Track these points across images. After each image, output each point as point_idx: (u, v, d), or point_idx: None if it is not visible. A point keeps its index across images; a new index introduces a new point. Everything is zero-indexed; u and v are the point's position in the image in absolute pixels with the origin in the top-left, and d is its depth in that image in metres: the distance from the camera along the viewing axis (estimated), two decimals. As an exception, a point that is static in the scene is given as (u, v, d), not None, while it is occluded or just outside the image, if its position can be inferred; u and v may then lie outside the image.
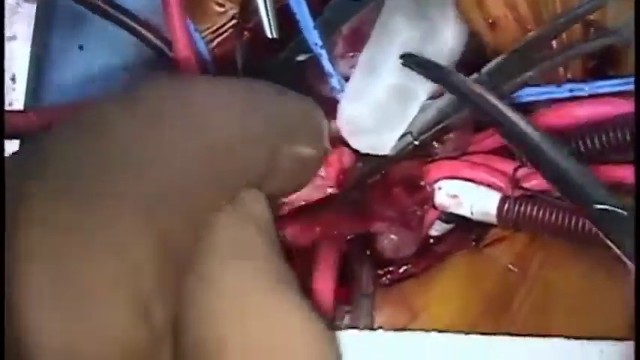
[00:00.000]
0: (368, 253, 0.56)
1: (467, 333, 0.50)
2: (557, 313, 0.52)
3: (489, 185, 0.55)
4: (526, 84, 0.53)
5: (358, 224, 0.57)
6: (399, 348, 0.48)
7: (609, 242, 0.45)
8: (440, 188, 0.57)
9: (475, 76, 0.52)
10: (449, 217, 0.59)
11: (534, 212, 0.53)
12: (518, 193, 0.54)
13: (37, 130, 0.50)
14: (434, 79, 0.51)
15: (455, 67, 0.54)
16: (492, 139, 0.57)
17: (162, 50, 0.59)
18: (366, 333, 0.48)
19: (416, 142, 0.55)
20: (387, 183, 0.58)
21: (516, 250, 0.55)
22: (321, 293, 0.50)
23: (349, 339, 0.47)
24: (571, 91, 0.53)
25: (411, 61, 0.52)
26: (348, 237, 0.57)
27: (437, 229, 0.61)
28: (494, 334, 0.50)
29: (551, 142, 0.47)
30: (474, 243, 0.57)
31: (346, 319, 0.51)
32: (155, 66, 0.59)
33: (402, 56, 0.52)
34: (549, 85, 0.54)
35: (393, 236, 0.58)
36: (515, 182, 0.54)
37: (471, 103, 0.50)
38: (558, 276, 0.53)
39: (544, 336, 0.49)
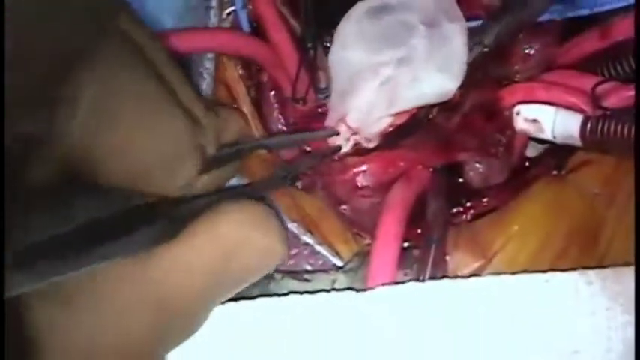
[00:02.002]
0: (449, 188, 0.54)
1: (545, 271, 0.48)
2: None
3: (569, 106, 0.52)
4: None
5: (441, 156, 0.55)
6: (468, 295, 0.47)
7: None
8: (518, 113, 0.54)
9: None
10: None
11: (619, 130, 0.49)
12: (599, 112, 0.50)
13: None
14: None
15: None
16: (577, 50, 0.54)
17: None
18: (431, 283, 0.47)
19: (486, 49, 0.53)
20: (464, 112, 0.55)
21: (603, 175, 0.51)
22: (387, 236, 0.48)
23: (414, 290, 0.47)
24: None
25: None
26: (431, 170, 0.55)
27: (532, 149, 0.59)
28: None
29: None
30: (555, 171, 0.53)
31: (414, 267, 0.49)
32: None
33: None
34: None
35: (478, 165, 0.56)
36: (596, 100, 0.50)
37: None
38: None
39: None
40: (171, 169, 0.34)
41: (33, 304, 0.31)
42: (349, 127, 0.53)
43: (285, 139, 0.54)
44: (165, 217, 0.34)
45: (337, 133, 0.54)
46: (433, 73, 0.51)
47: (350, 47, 0.53)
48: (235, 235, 0.35)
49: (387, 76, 0.52)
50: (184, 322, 0.35)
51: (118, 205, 0.32)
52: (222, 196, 0.37)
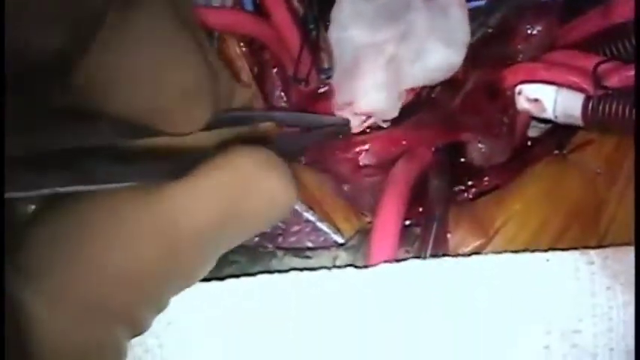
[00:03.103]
0: (451, 166, 0.54)
1: (546, 250, 0.48)
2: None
3: (570, 86, 0.52)
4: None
5: (444, 135, 0.55)
6: (468, 273, 0.47)
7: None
8: (520, 93, 0.54)
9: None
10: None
11: (620, 110, 0.49)
12: (601, 91, 0.50)
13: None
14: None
15: None
16: (579, 30, 0.54)
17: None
18: (432, 261, 0.47)
19: (490, 30, 0.54)
20: (467, 91, 0.55)
21: (605, 154, 0.52)
22: (388, 214, 0.48)
23: (415, 268, 0.47)
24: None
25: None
26: (433, 150, 0.55)
27: (534, 129, 0.59)
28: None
29: None
30: (556, 151, 0.53)
31: (415, 245, 0.49)
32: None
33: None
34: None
35: (480, 145, 0.56)
36: (598, 80, 0.50)
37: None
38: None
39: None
40: (188, 107, 0.34)
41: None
42: (362, 112, 0.54)
43: (296, 117, 0.54)
44: (175, 153, 0.34)
45: (348, 123, 0.54)
46: (437, 46, 0.52)
47: (349, 27, 0.53)
48: (249, 174, 0.35)
49: (391, 53, 0.52)
50: (191, 262, 0.35)
51: (130, 134, 0.32)
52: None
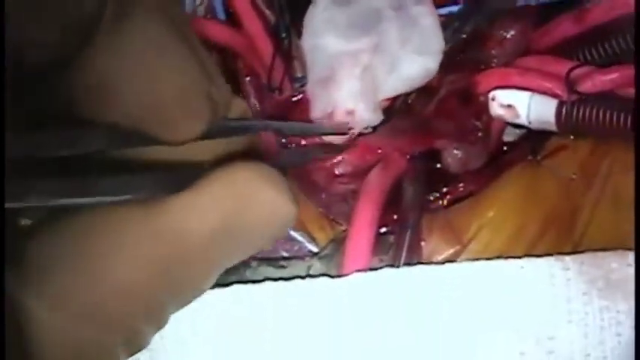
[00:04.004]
0: (426, 173, 0.54)
1: (521, 257, 0.48)
2: (631, 226, 0.47)
3: (544, 91, 0.51)
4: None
5: (419, 142, 0.55)
6: (443, 281, 0.47)
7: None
8: (493, 99, 0.54)
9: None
10: (517, 122, 0.57)
11: (594, 115, 0.49)
12: (574, 97, 0.50)
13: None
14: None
15: None
16: (553, 35, 0.54)
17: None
18: (406, 269, 0.47)
19: (464, 35, 0.53)
20: (441, 97, 0.55)
21: (579, 160, 0.51)
22: (362, 222, 0.48)
23: (388, 277, 0.47)
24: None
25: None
26: (408, 157, 0.55)
27: (510, 134, 0.58)
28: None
29: None
30: (530, 157, 0.53)
31: (390, 252, 0.49)
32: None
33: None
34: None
35: (456, 151, 0.55)
36: (571, 85, 0.50)
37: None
38: (629, 183, 0.48)
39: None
40: (184, 113, 0.34)
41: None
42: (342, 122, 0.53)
43: (296, 127, 0.54)
44: (172, 166, 0.34)
45: (350, 130, 0.53)
46: (412, 56, 0.51)
47: (322, 34, 0.52)
48: (249, 188, 0.34)
49: (365, 63, 0.52)
50: (192, 276, 0.35)
51: (127, 142, 0.32)
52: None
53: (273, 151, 0.48)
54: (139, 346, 0.33)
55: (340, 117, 0.53)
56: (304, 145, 0.53)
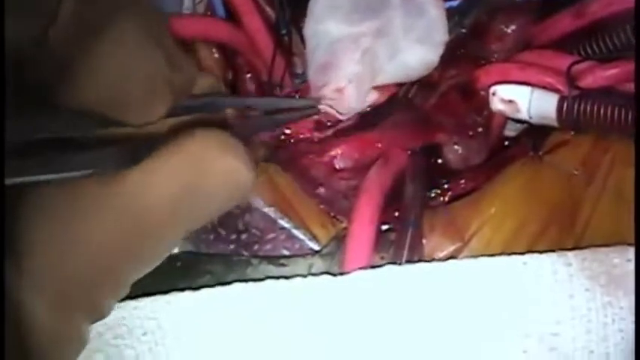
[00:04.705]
0: (427, 169, 0.54)
1: (523, 253, 0.47)
2: (631, 221, 0.47)
3: (544, 86, 0.51)
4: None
5: (419, 137, 0.55)
6: (445, 278, 0.47)
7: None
8: (494, 94, 0.54)
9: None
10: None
11: (595, 110, 0.49)
12: (575, 92, 0.50)
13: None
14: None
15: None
16: (553, 30, 0.54)
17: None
18: (408, 267, 0.47)
19: (464, 30, 0.54)
20: (442, 92, 0.55)
21: (581, 155, 0.51)
22: (363, 219, 0.48)
23: (390, 274, 0.47)
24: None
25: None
26: (409, 152, 0.55)
27: (511, 129, 0.58)
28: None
29: None
30: (531, 152, 0.53)
31: (391, 250, 0.49)
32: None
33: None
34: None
35: (456, 147, 0.55)
36: (572, 80, 0.50)
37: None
38: (631, 178, 0.48)
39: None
40: (147, 97, 0.35)
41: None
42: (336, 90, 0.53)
43: (265, 101, 0.53)
44: (132, 140, 0.34)
45: (319, 104, 0.53)
46: (414, 44, 0.51)
47: (325, 19, 0.52)
48: (203, 155, 0.35)
49: (366, 47, 0.52)
50: (151, 243, 0.35)
51: (92, 125, 0.32)
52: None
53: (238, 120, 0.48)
54: (100, 316, 0.34)
55: (328, 93, 0.53)
56: (269, 112, 0.53)
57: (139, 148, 0.33)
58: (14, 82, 0.30)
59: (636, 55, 0.49)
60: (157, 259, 0.36)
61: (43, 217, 0.32)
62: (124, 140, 0.34)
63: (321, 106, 0.53)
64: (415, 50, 0.52)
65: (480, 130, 0.55)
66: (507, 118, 0.57)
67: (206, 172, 0.35)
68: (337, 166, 0.54)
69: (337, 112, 0.54)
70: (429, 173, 0.54)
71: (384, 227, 0.50)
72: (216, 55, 0.56)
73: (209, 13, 0.56)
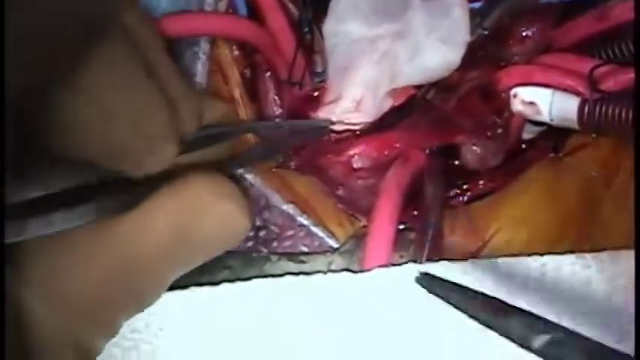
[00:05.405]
0: (445, 169, 0.54)
1: (542, 255, 0.47)
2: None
3: (565, 89, 0.51)
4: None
5: (437, 137, 0.55)
6: (466, 277, 0.46)
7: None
8: (515, 95, 0.54)
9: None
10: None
11: (616, 113, 0.49)
12: (597, 95, 0.50)
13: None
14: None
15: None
16: (575, 33, 0.54)
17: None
18: (428, 266, 0.47)
19: (485, 32, 0.53)
20: (462, 93, 0.55)
21: (601, 157, 0.51)
22: (383, 218, 0.48)
23: (411, 272, 0.46)
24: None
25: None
26: (427, 151, 0.55)
27: (528, 131, 0.58)
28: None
29: None
30: (552, 154, 0.53)
31: (410, 249, 0.49)
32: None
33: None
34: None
35: (475, 147, 0.55)
36: (594, 83, 0.50)
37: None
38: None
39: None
40: (147, 147, 0.34)
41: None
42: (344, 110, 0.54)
43: (275, 125, 0.54)
44: (129, 187, 0.34)
45: (332, 123, 0.54)
46: (435, 44, 0.51)
47: (345, 20, 0.52)
48: (202, 201, 0.35)
49: (385, 50, 0.52)
50: (145, 287, 0.35)
51: (85, 177, 0.32)
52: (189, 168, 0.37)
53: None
54: (88, 353, 0.34)
55: (345, 104, 0.53)
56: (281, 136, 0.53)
57: (138, 192, 0.34)
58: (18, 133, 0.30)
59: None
60: (147, 302, 0.36)
61: (40, 265, 0.32)
62: (124, 184, 0.34)
63: (334, 126, 0.54)
64: (437, 50, 0.51)
65: (499, 131, 0.55)
66: (526, 121, 0.57)
67: (202, 217, 0.35)
68: (355, 166, 0.54)
69: (353, 124, 0.54)
70: (447, 173, 0.54)
71: (403, 226, 0.50)
72: (236, 53, 0.56)
73: (230, 10, 0.56)
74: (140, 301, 0.36)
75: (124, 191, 0.34)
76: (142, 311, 0.36)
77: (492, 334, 0.45)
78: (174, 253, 0.35)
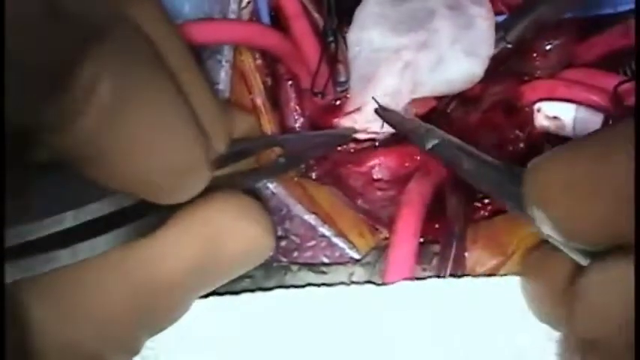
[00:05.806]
0: (467, 183, 0.54)
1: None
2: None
3: (590, 105, 0.52)
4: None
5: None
6: (486, 294, 0.46)
7: None
8: (539, 110, 0.54)
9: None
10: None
11: (640, 130, 0.49)
12: (621, 111, 0.50)
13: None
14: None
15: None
16: (599, 48, 0.54)
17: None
18: (452, 280, 0.47)
19: (509, 45, 0.53)
20: (484, 106, 0.55)
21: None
22: (406, 231, 0.47)
23: (435, 287, 0.46)
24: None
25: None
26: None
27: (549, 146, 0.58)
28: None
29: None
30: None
31: (434, 262, 0.49)
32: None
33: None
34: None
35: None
36: (618, 100, 0.50)
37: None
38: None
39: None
40: (181, 183, 0.34)
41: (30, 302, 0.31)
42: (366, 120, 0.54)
43: (300, 138, 0.54)
44: (154, 211, 0.34)
45: (355, 132, 0.54)
46: (459, 56, 0.52)
47: (369, 29, 0.53)
48: (220, 224, 0.35)
49: (408, 60, 0.52)
50: (166, 311, 0.35)
51: (115, 205, 0.32)
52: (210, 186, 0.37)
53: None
54: None
55: (368, 114, 0.53)
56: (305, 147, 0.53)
57: (161, 214, 0.34)
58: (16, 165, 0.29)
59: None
60: (169, 322, 0.36)
61: (53, 292, 0.32)
62: (147, 208, 0.33)
63: (356, 135, 0.54)
64: (460, 62, 0.52)
65: (521, 145, 0.55)
66: (550, 135, 0.57)
67: (224, 240, 0.35)
68: (375, 177, 0.54)
69: (376, 132, 0.55)
70: (469, 187, 0.53)
71: (424, 239, 0.50)
72: (259, 62, 0.56)
73: (254, 19, 0.56)
74: (163, 321, 0.36)
75: (148, 214, 0.34)
76: (166, 329, 0.37)
77: (521, 350, 0.45)
78: (197, 275, 0.35)
